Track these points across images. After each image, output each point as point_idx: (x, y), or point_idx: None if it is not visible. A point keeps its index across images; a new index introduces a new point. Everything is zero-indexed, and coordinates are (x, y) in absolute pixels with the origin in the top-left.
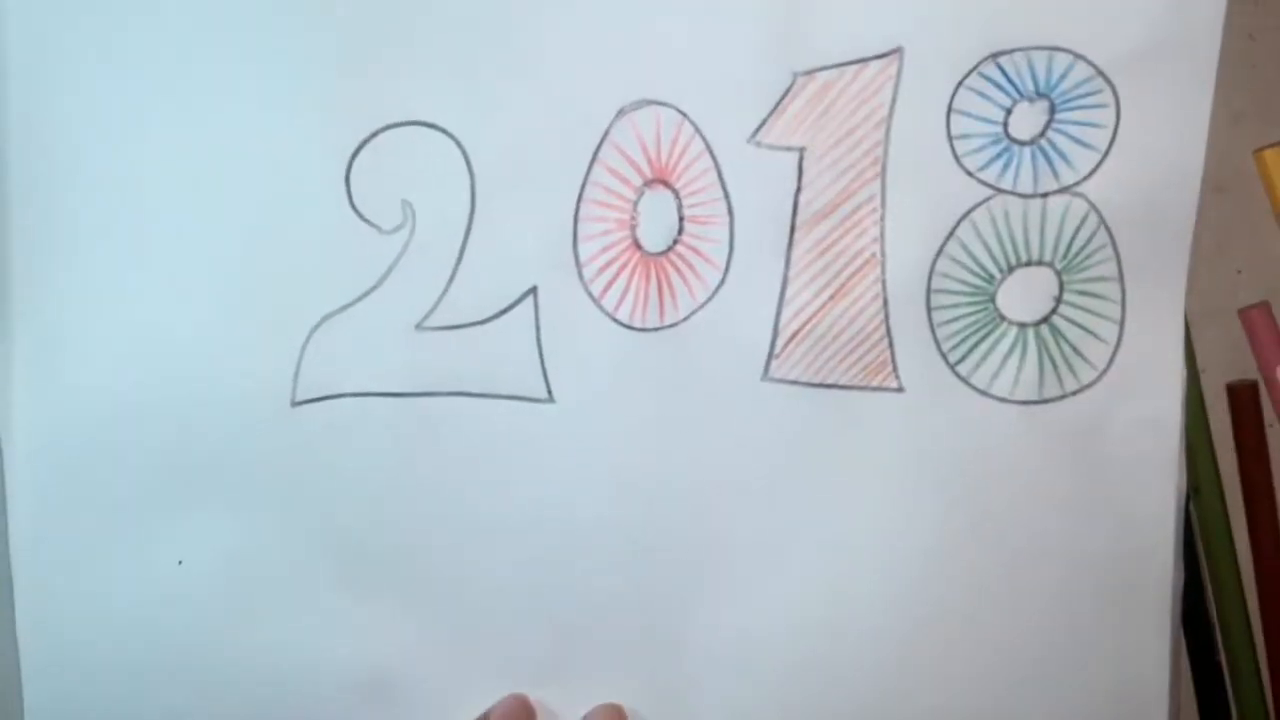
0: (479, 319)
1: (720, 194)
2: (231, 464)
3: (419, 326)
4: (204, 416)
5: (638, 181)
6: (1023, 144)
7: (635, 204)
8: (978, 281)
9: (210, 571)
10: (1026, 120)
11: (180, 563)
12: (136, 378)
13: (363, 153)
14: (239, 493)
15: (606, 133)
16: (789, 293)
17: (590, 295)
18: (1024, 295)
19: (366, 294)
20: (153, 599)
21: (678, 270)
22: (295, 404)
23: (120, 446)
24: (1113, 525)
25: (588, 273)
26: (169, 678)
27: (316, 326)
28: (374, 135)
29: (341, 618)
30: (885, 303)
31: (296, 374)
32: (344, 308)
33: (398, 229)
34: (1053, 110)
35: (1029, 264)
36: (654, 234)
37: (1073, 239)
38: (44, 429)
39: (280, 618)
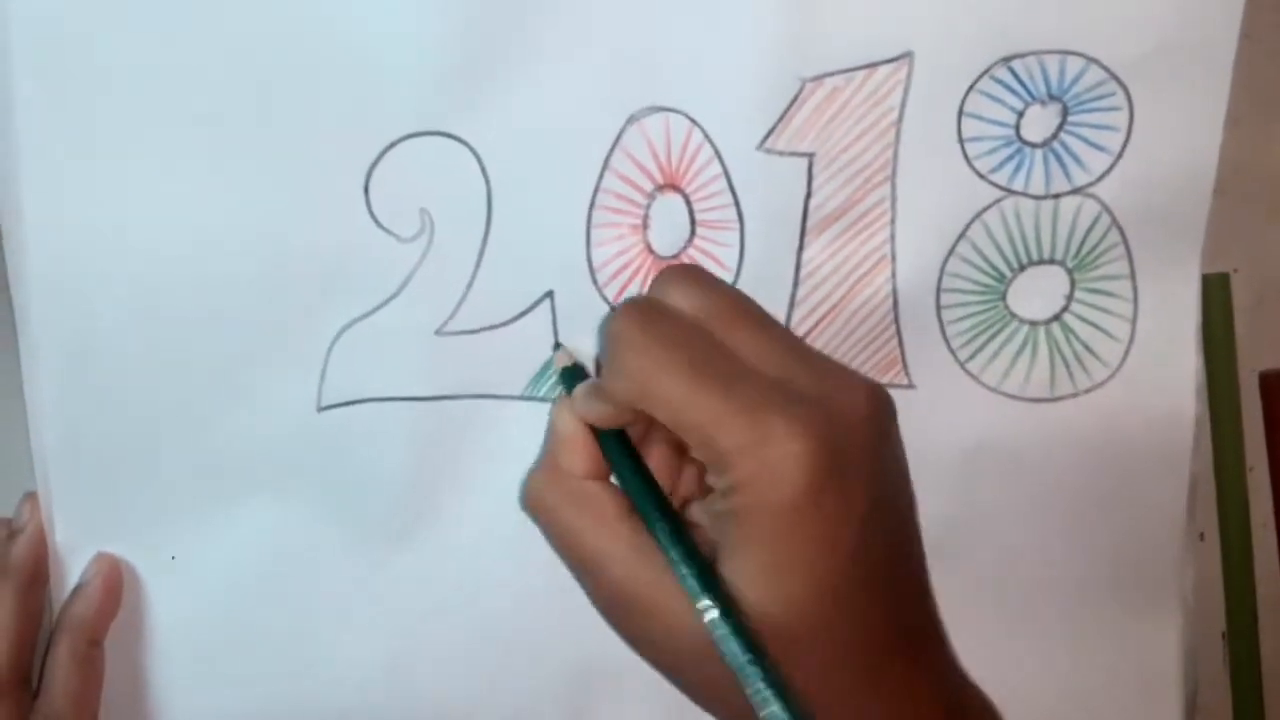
0: (497, 323)
1: (730, 200)
2: (260, 469)
3: (439, 332)
4: (232, 423)
5: (649, 187)
6: (1035, 146)
7: (647, 209)
8: (988, 280)
9: (237, 574)
10: (1039, 123)
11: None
12: (164, 389)
13: (381, 163)
14: (267, 497)
15: (618, 139)
16: (799, 294)
17: (605, 299)
18: (1035, 293)
19: (387, 301)
20: (181, 605)
21: None
22: (321, 409)
23: (150, 456)
24: (1125, 522)
25: (602, 277)
26: (196, 672)
27: (340, 333)
28: (392, 146)
29: (365, 618)
30: (895, 302)
31: (322, 380)
32: (366, 315)
33: (416, 237)
34: (1065, 113)
35: (1040, 262)
36: (666, 238)
37: (1084, 238)
38: (75, 442)
39: (302, 620)
